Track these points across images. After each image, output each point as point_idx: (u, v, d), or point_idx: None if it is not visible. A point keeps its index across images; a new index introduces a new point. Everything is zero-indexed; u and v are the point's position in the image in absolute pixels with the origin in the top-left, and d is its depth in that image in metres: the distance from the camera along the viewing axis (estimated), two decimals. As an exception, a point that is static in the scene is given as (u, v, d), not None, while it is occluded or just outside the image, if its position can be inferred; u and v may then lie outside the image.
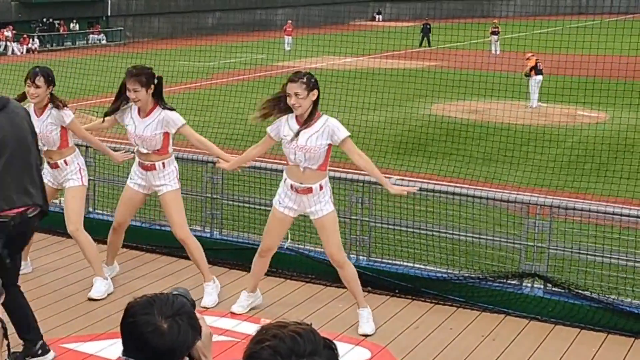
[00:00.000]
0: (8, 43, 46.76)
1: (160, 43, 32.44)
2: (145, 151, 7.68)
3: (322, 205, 7.13)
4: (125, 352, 2.79)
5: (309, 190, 7.09)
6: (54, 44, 49.48)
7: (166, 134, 7.65)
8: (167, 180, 7.74)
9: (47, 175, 8.09)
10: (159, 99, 7.65)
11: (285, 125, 7.12)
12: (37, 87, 7.70)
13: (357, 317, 7.40)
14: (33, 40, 48.49)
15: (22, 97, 7.91)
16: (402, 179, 10.88)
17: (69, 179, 8.00)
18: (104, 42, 51.85)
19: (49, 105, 7.84)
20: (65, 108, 7.83)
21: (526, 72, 25.69)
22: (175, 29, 51.44)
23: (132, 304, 2.78)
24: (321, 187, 7.10)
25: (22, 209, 6.17)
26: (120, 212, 8.05)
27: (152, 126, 7.60)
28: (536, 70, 25.84)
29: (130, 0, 56.80)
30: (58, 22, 51.49)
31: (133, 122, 7.68)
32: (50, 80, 7.74)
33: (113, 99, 7.86)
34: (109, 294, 7.96)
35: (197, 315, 2.82)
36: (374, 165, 7.19)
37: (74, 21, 52.45)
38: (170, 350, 2.70)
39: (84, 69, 16.42)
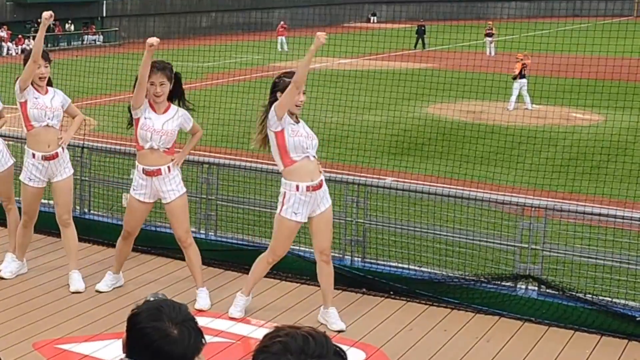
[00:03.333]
0: (3, 43, 46.69)
1: (155, 43, 32.31)
2: (157, 147, 7.48)
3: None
4: (129, 355, 2.79)
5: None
6: (49, 45, 49.24)
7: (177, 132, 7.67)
8: (174, 185, 7.63)
9: (37, 173, 8.00)
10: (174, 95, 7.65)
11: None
12: (47, 67, 8.01)
13: (352, 318, 7.43)
14: (28, 40, 48.40)
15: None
16: (397, 180, 10.91)
17: (64, 167, 8.12)
18: (99, 42, 51.81)
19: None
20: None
21: (514, 76, 25.77)
22: (170, 30, 51.39)
23: (138, 310, 2.79)
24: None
25: None
26: (129, 223, 7.91)
27: (172, 122, 7.53)
28: (520, 74, 25.98)
29: (125, 0, 56.75)
30: (53, 22, 51.26)
31: (151, 117, 7.52)
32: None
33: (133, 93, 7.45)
34: (99, 292, 8.04)
35: None
36: None
37: (69, 22, 52.38)
38: (183, 356, 2.73)
39: (79, 70, 16.38)
